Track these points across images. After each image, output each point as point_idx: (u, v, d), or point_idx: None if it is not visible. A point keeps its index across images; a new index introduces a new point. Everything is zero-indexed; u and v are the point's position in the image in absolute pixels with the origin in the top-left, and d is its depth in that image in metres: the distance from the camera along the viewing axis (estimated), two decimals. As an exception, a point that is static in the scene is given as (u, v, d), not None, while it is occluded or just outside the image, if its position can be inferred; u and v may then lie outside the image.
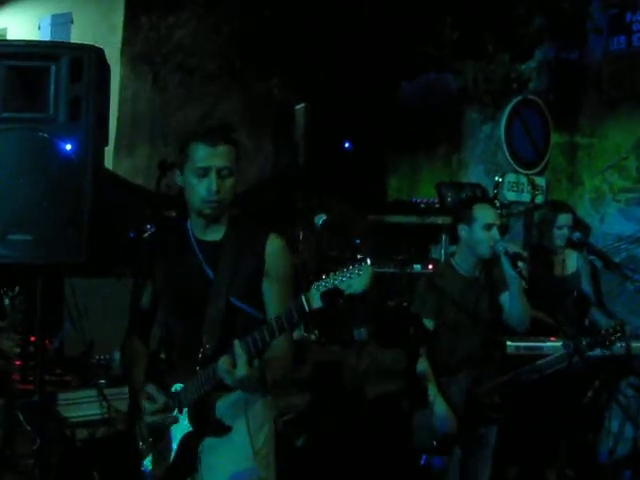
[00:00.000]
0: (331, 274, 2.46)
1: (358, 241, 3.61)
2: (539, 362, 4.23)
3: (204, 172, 2.81)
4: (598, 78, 6.27)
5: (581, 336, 4.05)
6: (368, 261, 2.46)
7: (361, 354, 4.96)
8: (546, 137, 6.31)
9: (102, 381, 4.23)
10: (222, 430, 2.83)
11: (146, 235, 3.30)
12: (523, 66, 6.58)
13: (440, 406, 3.95)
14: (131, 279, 4.77)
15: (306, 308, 2.49)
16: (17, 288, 4.69)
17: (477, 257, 4.14)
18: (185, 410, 2.82)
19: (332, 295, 2.43)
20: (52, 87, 3.42)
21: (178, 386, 2.84)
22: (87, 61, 3.44)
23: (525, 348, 4.68)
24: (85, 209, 3.48)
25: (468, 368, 4.07)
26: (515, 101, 6.19)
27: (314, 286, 2.48)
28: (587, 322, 5.22)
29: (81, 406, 4.16)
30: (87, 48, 3.54)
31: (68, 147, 3.39)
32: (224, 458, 2.84)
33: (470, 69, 6.51)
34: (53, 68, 3.42)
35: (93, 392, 4.17)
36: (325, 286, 2.45)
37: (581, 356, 4.00)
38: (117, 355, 4.44)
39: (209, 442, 2.85)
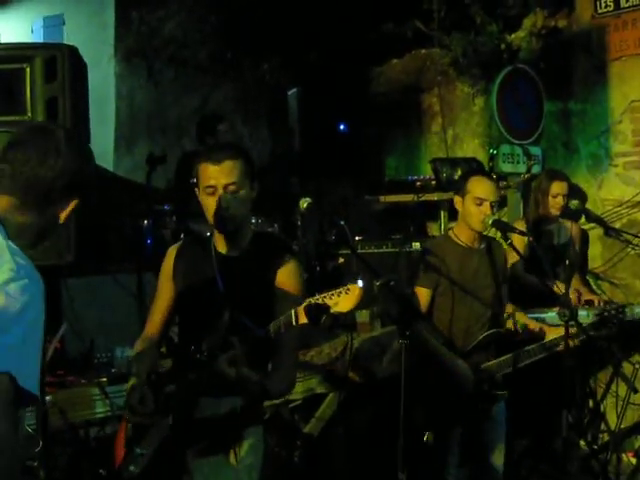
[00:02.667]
0: (324, 291, 2.55)
1: (342, 222, 3.60)
2: (545, 342, 4.20)
3: (212, 190, 2.88)
4: (587, 43, 6.19)
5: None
6: (359, 283, 2.52)
7: (362, 336, 4.95)
8: (539, 106, 6.24)
9: (104, 379, 4.23)
10: (205, 437, 2.89)
11: (172, 246, 3.16)
12: (512, 36, 6.51)
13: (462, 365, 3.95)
14: (127, 275, 4.81)
15: (293, 322, 2.61)
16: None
17: (472, 230, 4.11)
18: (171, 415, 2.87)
19: (317, 311, 2.52)
20: (28, 89, 3.43)
21: (170, 388, 2.88)
22: (61, 60, 3.43)
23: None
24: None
25: (468, 339, 4.06)
26: (506, 71, 6.12)
27: (306, 302, 2.58)
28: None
29: (84, 405, 4.17)
30: (60, 47, 3.54)
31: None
32: (204, 466, 2.91)
33: (459, 42, 6.44)
34: (28, 69, 3.43)
35: (95, 391, 4.18)
36: (314, 301, 2.55)
37: (577, 324, 3.99)
38: (119, 352, 4.45)
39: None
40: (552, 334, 4.24)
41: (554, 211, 5.33)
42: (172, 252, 3.13)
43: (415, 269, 4.25)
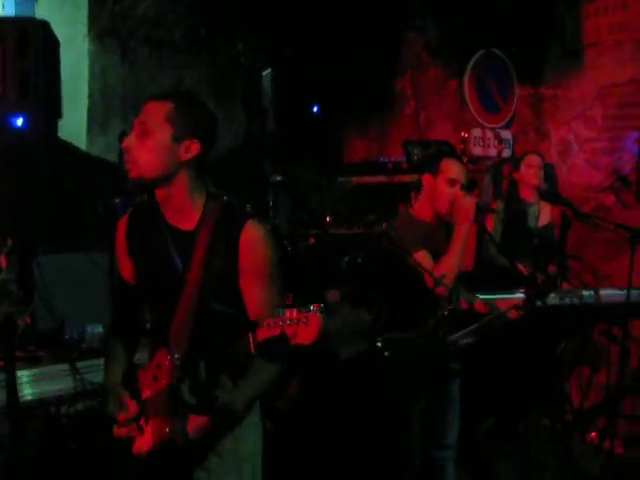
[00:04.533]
0: (285, 313, 2.18)
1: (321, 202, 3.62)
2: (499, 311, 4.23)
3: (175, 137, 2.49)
4: (561, 28, 6.25)
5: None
6: (318, 312, 2.16)
7: (333, 315, 4.98)
8: (511, 90, 6.30)
9: (73, 355, 4.24)
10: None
11: (125, 216, 2.70)
12: (485, 19, 6.55)
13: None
14: (100, 253, 4.82)
15: (252, 349, 2.26)
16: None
17: (435, 211, 4.13)
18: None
19: (276, 344, 2.20)
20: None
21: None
22: (33, 35, 3.43)
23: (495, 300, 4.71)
24: (41, 183, 3.48)
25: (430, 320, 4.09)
26: (478, 55, 6.17)
27: (265, 325, 2.21)
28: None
29: (54, 381, 4.18)
30: (32, 21, 3.53)
31: (19, 122, 3.39)
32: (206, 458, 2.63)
33: (432, 26, 6.47)
34: (-1, 44, 3.42)
35: (65, 366, 4.18)
36: (274, 326, 2.19)
37: (544, 303, 4.04)
38: (89, 329, 4.47)
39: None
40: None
41: (531, 181, 5.35)
42: (122, 222, 2.69)
43: (378, 245, 4.23)
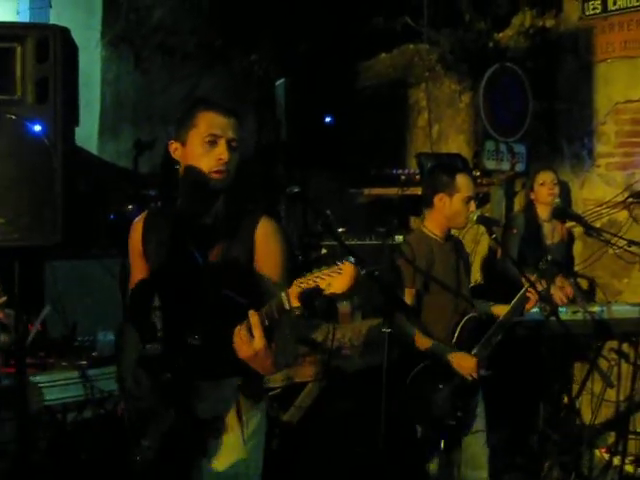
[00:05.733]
0: (314, 270, 2.37)
1: (328, 212, 3.62)
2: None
3: (215, 140, 2.71)
4: (575, 44, 6.26)
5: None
6: (351, 259, 2.36)
7: (345, 327, 4.97)
8: (525, 104, 6.29)
9: (84, 362, 4.24)
10: (213, 425, 2.73)
11: (136, 220, 2.93)
12: (500, 34, 6.56)
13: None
14: (112, 260, 4.82)
15: (286, 306, 2.41)
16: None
17: (450, 227, 4.17)
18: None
19: (310, 294, 2.35)
20: (19, 68, 3.42)
21: (165, 377, 2.70)
22: (53, 41, 3.43)
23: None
24: (57, 190, 3.47)
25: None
26: (493, 69, 6.16)
27: (296, 283, 2.39)
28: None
29: (64, 388, 4.17)
30: (53, 28, 3.52)
31: (37, 128, 3.39)
32: (217, 459, 2.75)
33: (447, 39, 6.48)
34: (19, 49, 3.41)
35: (75, 374, 4.18)
36: (305, 284, 2.36)
37: (557, 318, 4.04)
38: (101, 336, 4.47)
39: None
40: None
41: (545, 200, 5.38)
42: (138, 226, 2.92)
43: (392, 270, 4.25)
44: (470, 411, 4.17)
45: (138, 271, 2.92)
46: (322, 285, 2.33)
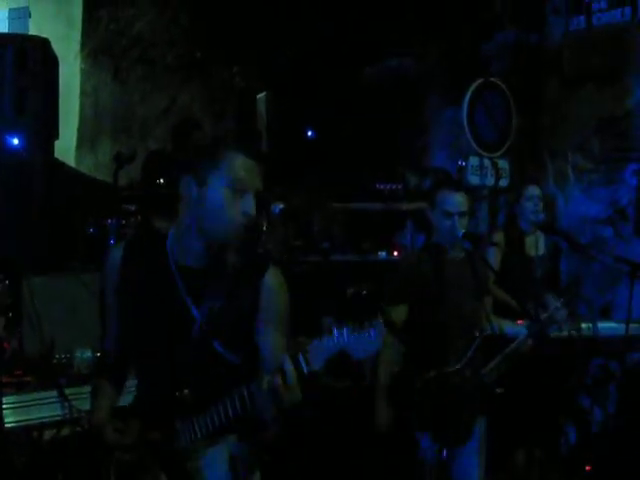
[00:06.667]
0: (335, 331, 2.15)
1: (316, 228, 3.57)
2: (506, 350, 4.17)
3: (241, 188, 2.35)
4: (558, 60, 6.26)
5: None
6: (380, 321, 2.17)
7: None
8: (508, 119, 6.28)
9: (62, 380, 4.13)
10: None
11: (113, 248, 2.59)
12: (485, 49, 6.56)
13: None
14: (90, 275, 4.72)
15: (304, 369, 2.19)
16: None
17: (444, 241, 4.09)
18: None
19: (336, 359, 2.16)
20: (-3, 79, 3.35)
21: (154, 435, 2.49)
22: (32, 53, 3.36)
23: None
24: (35, 203, 3.40)
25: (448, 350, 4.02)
26: (477, 84, 6.14)
27: (314, 344, 2.17)
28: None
29: (42, 407, 4.07)
30: (32, 39, 3.47)
31: (15, 141, 3.32)
32: None
33: (432, 53, 6.47)
34: (-3, 60, 3.35)
35: (53, 393, 4.08)
36: (328, 345, 2.15)
37: (545, 337, 3.99)
38: (79, 353, 4.37)
39: None
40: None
41: (532, 217, 5.34)
42: (115, 255, 2.56)
43: (393, 285, 4.18)
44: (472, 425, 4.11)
45: (112, 306, 2.61)
46: (350, 350, 2.15)
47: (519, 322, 4.67)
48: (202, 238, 2.43)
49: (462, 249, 4.12)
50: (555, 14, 6.30)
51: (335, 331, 2.16)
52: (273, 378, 2.22)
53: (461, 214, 4.00)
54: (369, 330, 2.15)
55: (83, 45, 9.67)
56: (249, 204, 2.35)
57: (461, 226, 3.99)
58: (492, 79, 6.30)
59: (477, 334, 4.07)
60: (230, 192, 2.34)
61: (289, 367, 2.20)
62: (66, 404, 4.05)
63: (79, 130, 9.80)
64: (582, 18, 6.13)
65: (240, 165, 2.36)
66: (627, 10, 5.94)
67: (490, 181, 6.21)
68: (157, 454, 2.48)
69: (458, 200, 4.03)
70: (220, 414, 2.37)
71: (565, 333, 4.79)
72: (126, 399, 2.79)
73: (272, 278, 2.47)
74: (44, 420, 4.04)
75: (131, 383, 2.81)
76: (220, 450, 2.52)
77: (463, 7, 6.61)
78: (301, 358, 2.18)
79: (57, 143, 3.74)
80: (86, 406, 3.96)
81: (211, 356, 2.45)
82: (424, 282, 4.03)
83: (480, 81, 6.22)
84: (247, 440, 2.57)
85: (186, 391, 2.42)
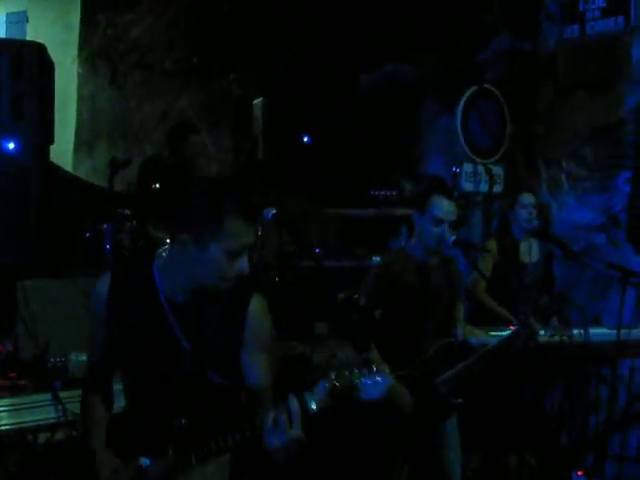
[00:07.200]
0: (342, 372, 2.25)
1: (310, 234, 3.59)
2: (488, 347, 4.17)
3: (240, 250, 2.42)
4: (553, 67, 6.29)
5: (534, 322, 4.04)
6: (386, 369, 2.34)
7: (320, 349, 4.92)
8: (502, 126, 6.31)
9: (57, 383, 4.14)
10: None
11: (100, 282, 2.60)
12: (480, 56, 6.59)
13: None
14: (86, 279, 4.74)
15: (313, 408, 2.24)
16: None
17: (425, 246, 4.09)
18: None
19: (344, 396, 2.23)
20: (-8, 85, 3.37)
21: (145, 461, 2.52)
22: (28, 58, 3.38)
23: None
24: (32, 208, 3.42)
25: (422, 356, 4.03)
26: (471, 91, 6.17)
27: (321, 385, 2.24)
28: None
29: (36, 410, 4.08)
30: (29, 44, 3.49)
31: (11, 146, 3.34)
32: None
33: (429, 60, 6.50)
34: (-8, 66, 3.37)
35: (48, 396, 4.09)
36: (335, 385, 2.23)
37: (535, 341, 4.01)
38: (73, 357, 4.38)
39: None
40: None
41: (525, 224, 5.36)
42: (102, 286, 2.59)
43: (370, 283, 4.20)
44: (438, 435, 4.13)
45: (98, 334, 2.63)
46: (356, 391, 2.24)
47: (511, 327, 4.72)
48: (191, 283, 2.49)
49: (439, 255, 4.14)
50: (549, 22, 6.34)
51: (347, 373, 2.25)
52: (279, 415, 2.27)
53: (450, 223, 4.02)
54: (376, 375, 2.25)
55: (81, 50, 9.70)
56: (244, 263, 2.43)
57: (449, 234, 4.01)
58: (486, 86, 6.33)
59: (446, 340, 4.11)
60: (229, 255, 2.40)
61: (295, 405, 2.25)
62: (60, 407, 4.07)
63: (76, 134, 9.82)
64: (576, 26, 6.17)
65: (239, 231, 2.40)
66: (620, 19, 5.98)
67: (484, 187, 6.23)
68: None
69: (450, 208, 4.04)
70: (219, 445, 2.41)
71: (557, 339, 4.84)
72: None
73: (257, 305, 2.56)
74: (38, 423, 4.06)
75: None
76: (220, 465, 2.57)
77: (460, 14, 6.64)
78: (308, 399, 2.24)
79: (54, 147, 3.76)
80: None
81: (206, 384, 2.51)
82: (402, 285, 4.05)
83: (474, 88, 6.25)
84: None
85: (183, 420, 2.47)
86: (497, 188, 6.29)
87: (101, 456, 2.62)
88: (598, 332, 5.23)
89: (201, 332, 2.50)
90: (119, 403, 2.81)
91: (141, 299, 2.54)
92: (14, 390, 4.11)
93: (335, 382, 2.24)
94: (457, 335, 4.24)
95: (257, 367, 2.54)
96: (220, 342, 2.50)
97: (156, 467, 2.50)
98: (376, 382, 2.26)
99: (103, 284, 2.59)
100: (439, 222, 3.97)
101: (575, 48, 6.21)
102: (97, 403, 2.74)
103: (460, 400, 4.05)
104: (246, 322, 2.52)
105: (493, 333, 4.72)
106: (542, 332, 4.85)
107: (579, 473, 5.44)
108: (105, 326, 2.58)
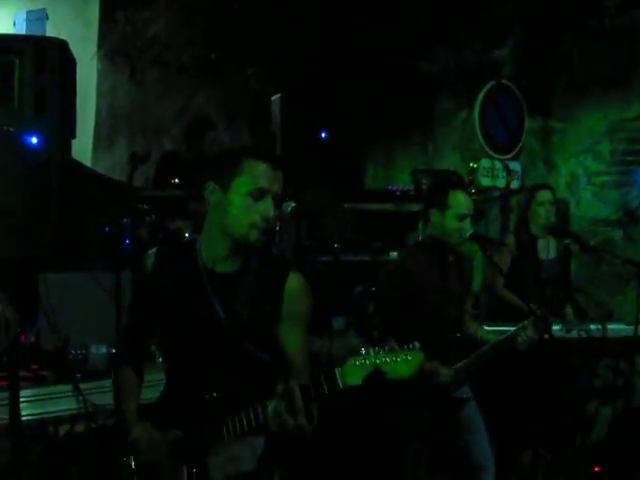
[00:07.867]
0: (371, 350, 2.30)
1: (327, 229, 3.61)
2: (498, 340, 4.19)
3: (261, 194, 2.49)
4: (569, 62, 6.28)
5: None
6: (417, 345, 2.31)
7: (338, 343, 4.95)
8: (520, 122, 6.32)
9: (78, 375, 4.20)
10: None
11: (150, 252, 2.72)
12: (496, 52, 6.58)
13: None
14: (105, 273, 4.79)
15: (340, 385, 2.30)
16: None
17: (447, 243, 4.12)
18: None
19: (375, 378, 2.26)
20: (17, 81, 3.42)
21: (180, 434, 2.55)
22: (51, 54, 3.43)
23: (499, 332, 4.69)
24: (52, 202, 3.47)
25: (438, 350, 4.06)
26: (488, 86, 6.18)
27: (351, 361, 2.29)
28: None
29: (58, 401, 4.14)
30: (51, 40, 3.54)
31: (34, 140, 3.39)
32: None
33: (443, 57, 6.50)
34: (17, 62, 3.42)
35: (69, 387, 4.15)
36: (365, 363, 2.27)
37: (550, 335, 4.03)
38: (94, 349, 4.44)
39: None
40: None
41: (542, 220, 5.36)
42: (149, 262, 2.72)
43: (387, 278, 4.23)
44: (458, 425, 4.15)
45: (143, 307, 2.74)
46: (386, 369, 2.27)
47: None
48: (227, 241, 2.58)
49: (454, 250, 4.17)
50: (566, 18, 6.33)
51: (371, 350, 2.29)
52: (277, 403, 2.35)
53: (470, 217, 4.07)
54: (407, 351, 2.28)
55: (100, 46, 9.75)
56: (268, 207, 2.49)
57: (468, 228, 4.04)
58: (504, 81, 6.33)
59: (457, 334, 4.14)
60: (250, 196, 2.50)
61: (297, 391, 2.33)
62: (81, 399, 4.12)
63: (95, 130, 9.87)
64: (592, 22, 6.16)
65: (261, 172, 2.51)
66: (636, 14, 5.97)
67: (502, 183, 6.24)
68: (179, 452, 2.53)
69: (469, 202, 4.09)
70: (250, 418, 2.46)
71: (574, 334, 4.85)
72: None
73: (295, 282, 2.59)
74: (59, 414, 4.11)
75: (150, 378, 2.93)
76: (249, 446, 2.60)
77: (475, 10, 6.64)
78: (337, 374, 2.30)
79: (74, 143, 3.82)
80: (101, 401, 4.06)
81: (243, 356, 2.56)
82: (418, 279, 4.08)
83: (492, 83, 6.26)
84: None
85: (217, 393, 2.51)
86: (515, 183, 6.29)
87: (135, 428, 2.64)
88: (615, 327, 5.24)
89: (236, 303, 2.56)
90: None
91: (183, 270, 2.64)
92: (36, 381, 4.18)
93: (357, 361, 2.28)
94: (468, 329, 4.29)
95: (294, 342, 2.60)
96: (256, 315, 2.56)
97: (190, 440, 2.53)
98: (407, 359, 2.28)
99: (151, 255, 2.72)
100: (462, 217, 4.01)
101: (591, 43, 6.20)
102: (129, 376, 2.79)
103: (469, 395, 4.09)
104: (284, 297, 2.56)
105: (509, 327, 4.74)
106: (558, 328, 4.89)
107: (596, 469, 5.46)
108: (148, 295, 2.69)
